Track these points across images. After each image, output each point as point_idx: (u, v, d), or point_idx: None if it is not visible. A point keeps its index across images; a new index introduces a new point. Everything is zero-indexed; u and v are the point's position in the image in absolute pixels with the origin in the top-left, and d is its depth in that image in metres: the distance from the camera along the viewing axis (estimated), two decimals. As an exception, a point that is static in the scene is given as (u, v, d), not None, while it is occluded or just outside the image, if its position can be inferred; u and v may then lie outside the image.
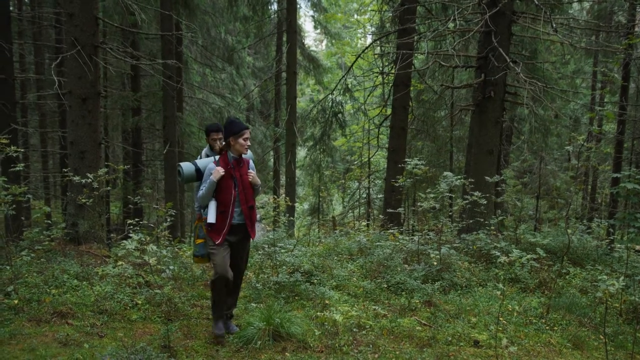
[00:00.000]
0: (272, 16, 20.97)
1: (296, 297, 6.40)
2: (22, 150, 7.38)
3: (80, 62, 7.80)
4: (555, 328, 5.83)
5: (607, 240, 9.65)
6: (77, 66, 7.89)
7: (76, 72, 7.97)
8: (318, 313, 5.80)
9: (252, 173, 5.09)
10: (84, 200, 7.32)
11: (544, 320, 5.98)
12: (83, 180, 7.16)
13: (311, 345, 4.92)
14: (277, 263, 7.28)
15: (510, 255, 5.53)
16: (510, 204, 9.96)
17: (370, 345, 4.96)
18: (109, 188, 7.89)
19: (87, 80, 8.01)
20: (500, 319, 5.83)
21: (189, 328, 5.24)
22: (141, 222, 7.44)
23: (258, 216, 11.45)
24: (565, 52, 15.44)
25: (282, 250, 7.73)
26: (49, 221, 8.44)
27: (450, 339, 5.31)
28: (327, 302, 6.18)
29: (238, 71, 21.49)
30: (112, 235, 8.20)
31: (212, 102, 20.20)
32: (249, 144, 4.99)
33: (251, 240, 5.24)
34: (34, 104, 16.81)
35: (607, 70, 12.83)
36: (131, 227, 6.80)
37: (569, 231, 8.38)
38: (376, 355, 4.70)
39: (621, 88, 15.05)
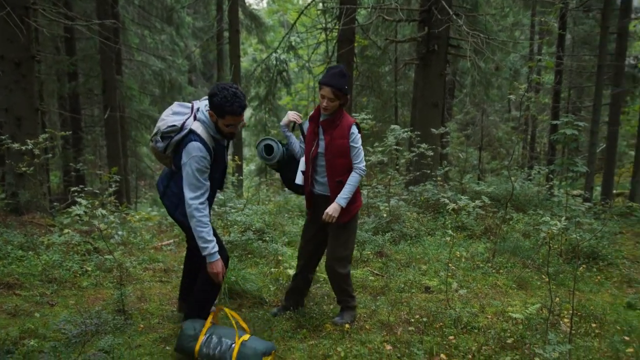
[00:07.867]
0: (210, -27, 20.34)
1: (249, 255, 6.43)
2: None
3: (11, 24, 7.40)
4: (501, 271, 6.09)
5: (547, 186, 10.06)
6: (8, 28, 7.48)
7: (7, 35, 7.58)
8: (272, 269, 5.85)
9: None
10: (23, 169, 7.05)
11: (490, 264, 6.23)
12: (23, 148, 6.87)
13: (267, 300, 4.97)
14: (228, 223, 7.25)
15: (458, 202, 5.69)
16: (454, 156, 10.19)
17: (325, 297, 5.06)
18: (49, 155, 7.59)
19: (20, 43, 7.63)
20: (450, 265, 6.02)
21: (142, 291, 5.19)
22: (85, 189, 7.23)
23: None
24: (505, 4, 15.65)
25: (233, 210, 7.69)
26: (-13, 192, 8.12)
27: (402, 286, 5.46)
28: (280, 258, 6.23)
29: (178, 32, 20.80)
30: (55, 204, 7.90)
31: (153, 64, 19.57)
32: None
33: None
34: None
35: (545, 21, 13.09)
36: (75, 194, 6.60)
37: (512, 179, 8.65)
38: (332, 306, 4.79)
39: (558, 38, 15.42)
